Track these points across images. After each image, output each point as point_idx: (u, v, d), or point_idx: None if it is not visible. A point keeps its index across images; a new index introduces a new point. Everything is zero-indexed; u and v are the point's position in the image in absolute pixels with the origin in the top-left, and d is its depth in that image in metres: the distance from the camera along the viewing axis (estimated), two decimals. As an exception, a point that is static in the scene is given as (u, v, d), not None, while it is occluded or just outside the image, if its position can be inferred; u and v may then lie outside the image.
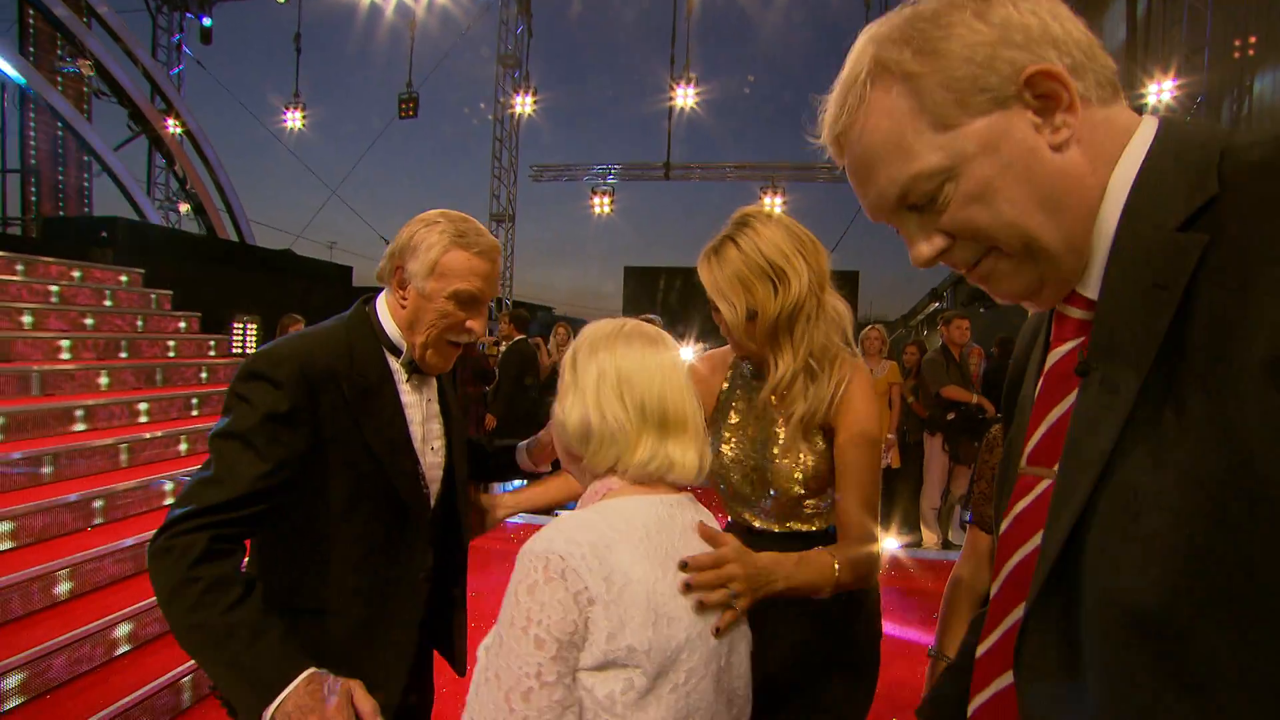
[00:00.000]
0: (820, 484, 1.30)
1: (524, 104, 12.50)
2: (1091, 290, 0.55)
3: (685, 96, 11.87)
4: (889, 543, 4.95)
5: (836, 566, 1.11)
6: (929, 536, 5.23)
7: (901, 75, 0.54)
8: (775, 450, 1.30)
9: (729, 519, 1.44)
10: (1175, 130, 0.53)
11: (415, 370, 1.27)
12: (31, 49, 10.37)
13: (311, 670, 0.99)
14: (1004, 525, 0.61)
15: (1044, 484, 0.57)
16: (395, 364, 1.25)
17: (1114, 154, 0.53)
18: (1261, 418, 0.41)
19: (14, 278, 4.68)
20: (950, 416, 4.95)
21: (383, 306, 1.27)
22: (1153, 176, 0.51)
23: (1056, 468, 0.54)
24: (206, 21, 13.44)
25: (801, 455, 1.28)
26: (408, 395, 1.26)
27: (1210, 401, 0.44)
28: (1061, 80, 0.52)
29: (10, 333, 4.12)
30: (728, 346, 1.42)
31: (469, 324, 1.24)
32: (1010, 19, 0.53)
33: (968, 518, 1.40)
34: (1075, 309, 0.58)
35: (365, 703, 0.98)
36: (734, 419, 1.38)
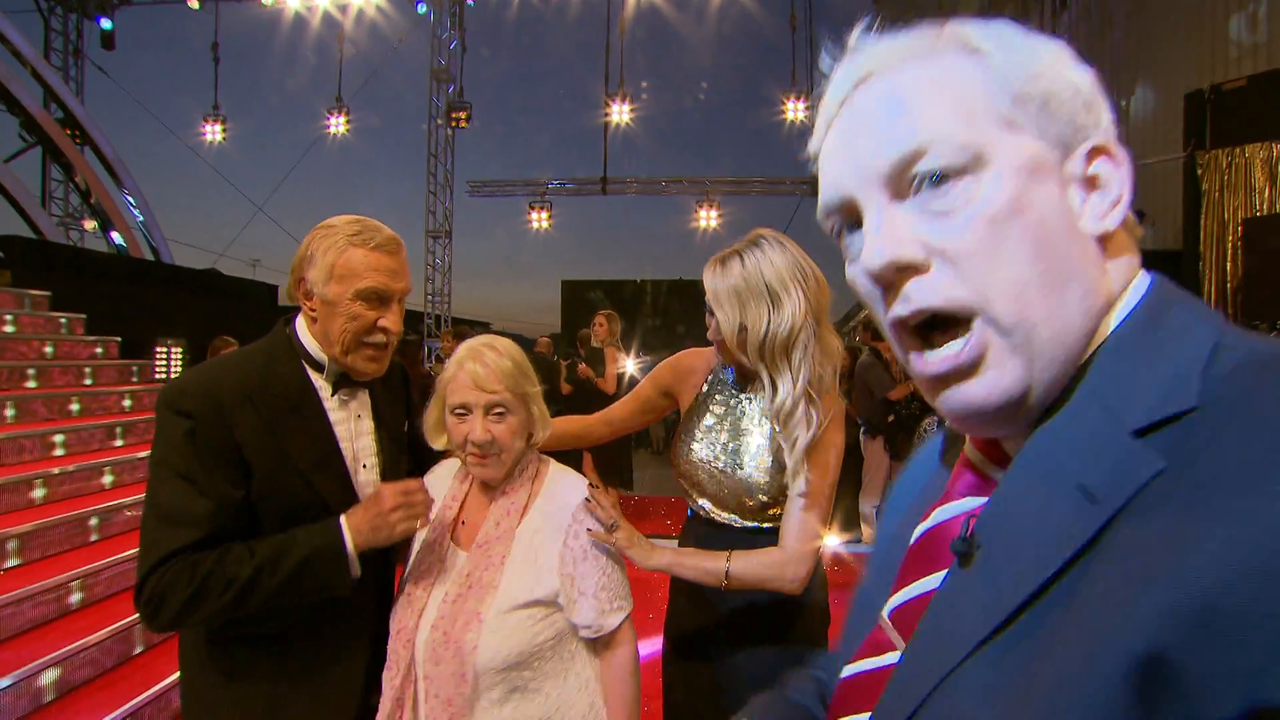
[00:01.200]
0: (781, 490, 1.37)
1: (459, 119, 12.39)
2: (1014, 445, 0.46)
3: (621, 112, 12.07)
4: (830, 539, 5.14)
5: (729, 556, 1.27)
6: (870, 534, 5.50)
7: (984, 54, 0.45)
8: (746, 459, 1.38)
9: (690, 511, 1.51)
10: (1167, 299, 0.44)
11: (344, 384, 1.25)
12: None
13: (343, 515, 1.15)
14: (847, 672, 0.53)
15: (890, 657, 0.49)
16: (319, 380, 1.23)
17: (1114, 297, 0.45)
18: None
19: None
20: (890, 419, 5.23)
21: (301, 325, 1.25)
22: (1131, 352, 0.42)
23: (904, 647, 0.48)
24: (106, 24, 12.67)
25: (775, 475, 1.35)
26: (334, 412, 1.24)
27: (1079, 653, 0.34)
28: (1121, 169, 0.44)
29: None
30: (712, 349, 1.50)
31: (381, 323, 1.20)
32: (1096, 88, 0.46)
33: None
34: (983, 458, 0.49)
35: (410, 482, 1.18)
36: (709, 420, 1.46)
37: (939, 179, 0.43)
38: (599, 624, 1.19)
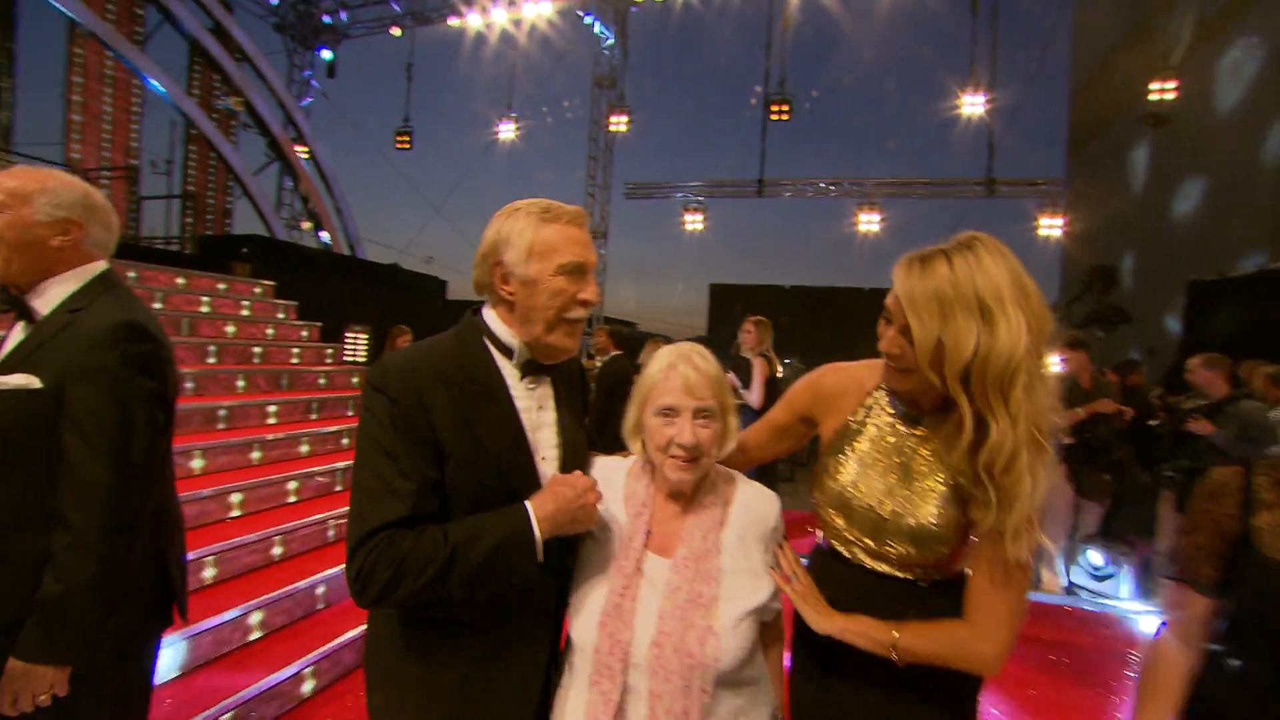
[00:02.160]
0: (940, 564, 1.19)
1: (619, 123, 12.80)
2: None
3: (780, 113, 11.74)
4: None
5: (896, 633, 1.13)
6: (1050, 579, 4.80)
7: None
8: (924, 510, 1.17)
9: (820, 536, 1.35)
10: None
11: (530, 371, 1.25)
12: (195, 90, 11.83)
13: (528, 501, 1.15)
14: None
15: None
16: (507, 367, 1.24)
17: None
18: None
19: (176, 289, 5.28)
20: (1069, 443, 4.55)
21: (490, 312, 1.26)
22: None
23: None
24: (327, 55, 14.76)
25: (955, 508, 1.15)
26: (520, 400, 1.23)
27: None
28: None
29: (173, 339, 4.62)
30: (867, 368, 1.32)
31: (580, 295, 1.21)
32: None
33: (1173, 573, 1.22)
34: None
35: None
36: (861, 446, 1.26)
37: None
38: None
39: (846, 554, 1.28)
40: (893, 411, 1.25)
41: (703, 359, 1.22)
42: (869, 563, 1.24)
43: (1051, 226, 11.07)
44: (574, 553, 1.29)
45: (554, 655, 1.27)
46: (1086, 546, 4.74)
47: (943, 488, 1.17)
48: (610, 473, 1.33)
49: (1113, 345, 8.70)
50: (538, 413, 1.26)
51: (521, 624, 1.22)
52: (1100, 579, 4.76)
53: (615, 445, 1.40)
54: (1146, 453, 4.66)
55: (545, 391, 1.29)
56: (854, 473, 1.25)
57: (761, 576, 1.23)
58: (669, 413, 1.20)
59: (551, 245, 1.18)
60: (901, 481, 1.21)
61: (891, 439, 1.24)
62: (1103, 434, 4.46)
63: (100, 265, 1.49)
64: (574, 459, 1.30)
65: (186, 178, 12.12)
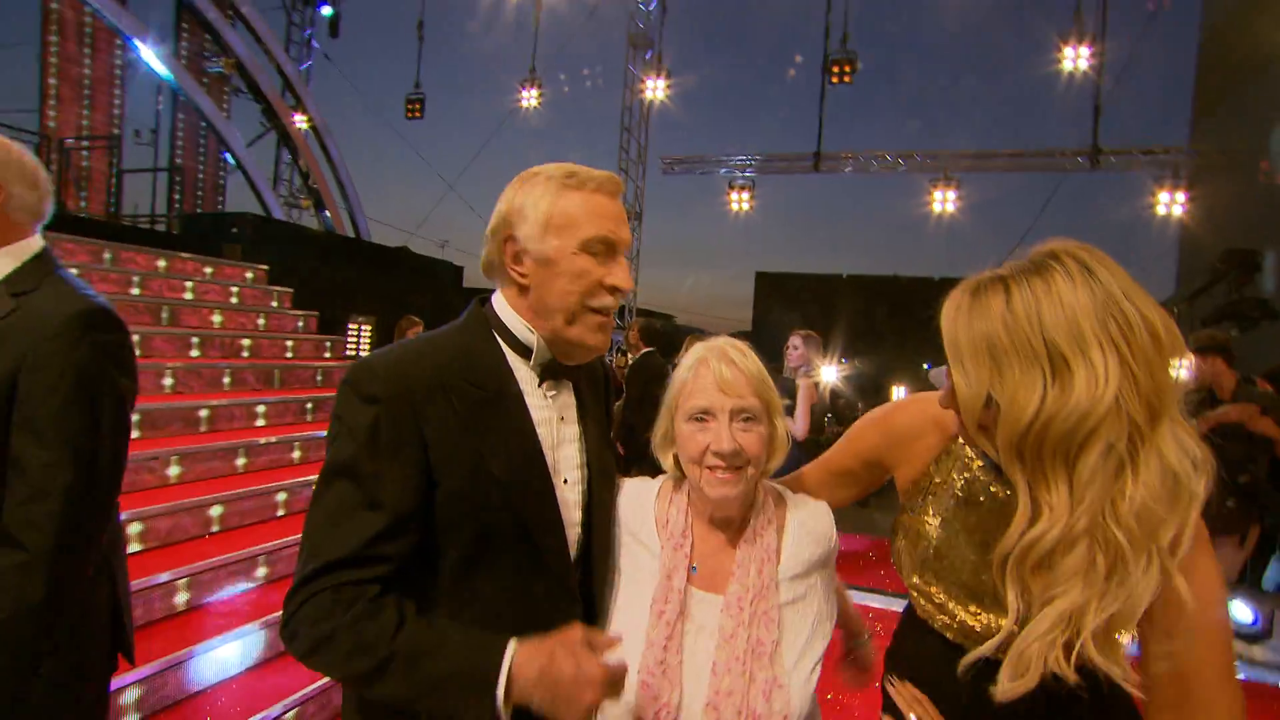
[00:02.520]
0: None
1: (656, 88, 12.66)
2: None
3: (841, 74, 11.45)
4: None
5: None
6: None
7: None
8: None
9: (913, 610, 1.19)
10: None
11: (551, 374, 1.17)
12: (184, 52, 12.09)
13: (515, 641, 0.99)
14: None
15: None
16: (522, 369, 1.15)
17: None
18: None
19: (156, 273, 5.34)
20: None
21: (501, 301, 1.18)
22: None
23: None
24: (327, 11, 14.97)
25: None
26: (537, 410, 1.15)
27: None
28: None
29: (151, 328, 4.66)
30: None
31: (608, 280, 1.12)
32: None
33: None
34: None
35: (595, 638, 1.00)
36: (945, 504, 1.15)
37: None
38: None
39: (946, 635, 1.13)
40: (982, 462, 1.12)
41: (740, 353, 1.19)
42: (966, 643, 1.10)
43: (1172, 204, 10.54)
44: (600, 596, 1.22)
45: None
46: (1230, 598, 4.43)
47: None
48: (639, 496, 1.28)
49: (1250, 347, 8.18)
50: (559, 426, 1.18)
51: None
52: (1248, 640, 4.42)
53: (646, 461, 1.33)
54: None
55: (567, 399, 1.21)
56: (939, 538, 1.14)
57: (824, 609, 1.21)
58: (703, 416, 1.16)
59: (573, 217, 1.10)
60: (982, 531, 1.09)
61: (982, 497, 1.10)
62: (1232, 453, 4.12)
63: (36, 242, 1.44)
64: (602, 483, 1.23)
65: (174, 150, 12.35)
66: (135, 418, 3.69)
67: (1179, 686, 0.94)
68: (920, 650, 1.17)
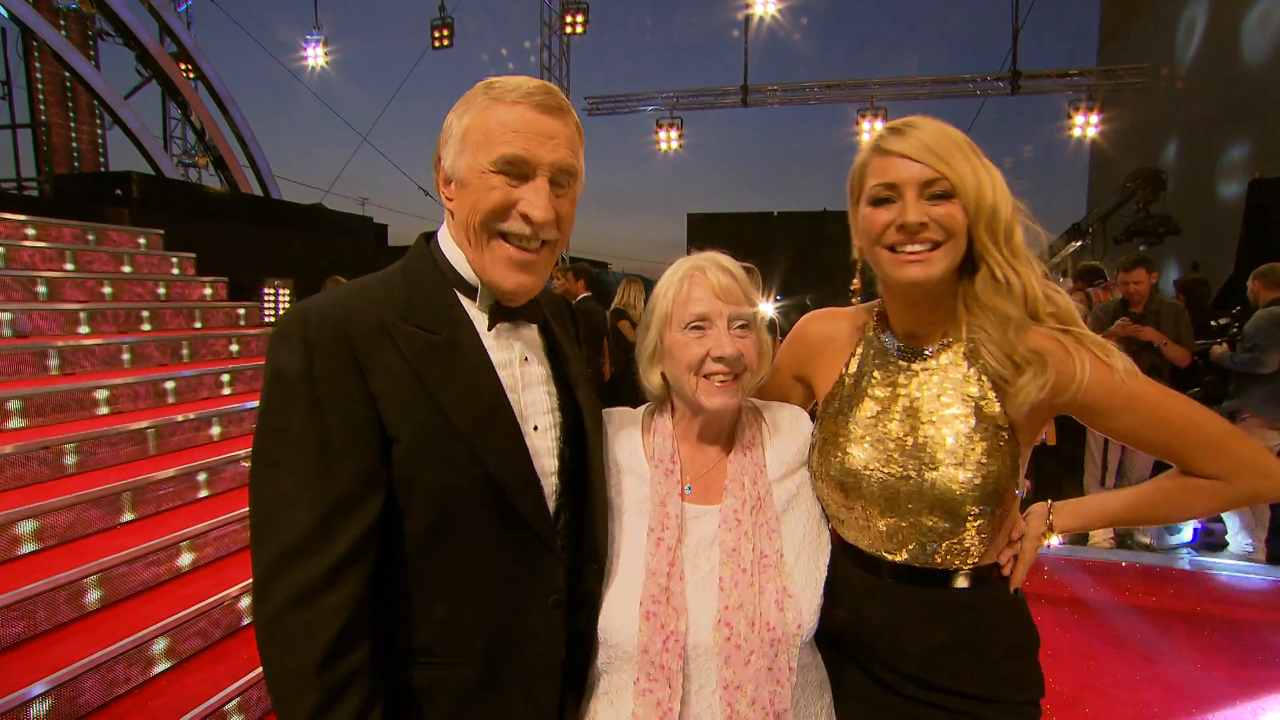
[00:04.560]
0: (998, 496, 1.11)
1: (575, 24, 12.11)
2: None
3: (765, 4, 11.22)
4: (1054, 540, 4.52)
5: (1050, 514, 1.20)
6: (1096, 531, 4.76)
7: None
8: (941, 453, 1.11)
9: (843, 540, 1.24)
10: None
11: (502, 315, 1.07)
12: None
13: None
14: None
15: None
16: (473, 310, 1.06)
17: None
18: None
19: (25, 243, 4.75)
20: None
21: (445, 235, 1.09)
22: None
23: None
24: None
25: (981, 456, 1.10)
26: (496, 351, 1.06)
27: None
28: None
29: (25, 304, 4.16)
30: (855, 311, 1.30)
31: (521, 206, 1.00)
32: None
33: None
34: None
35: None
36: (869, 408, 1.20)
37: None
38: None
39: (881, 557, 1.18)
40: (889, 349, 1.22)
41: (732, 264, 1.20)
42: (891, 555, 1.17)
43: (1086, 126, 10.86)
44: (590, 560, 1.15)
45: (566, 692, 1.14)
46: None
47: (966, 412, 1.12)
48: (623, 426, 1.27)
49: (1158, 259, 8.63)
50: (521, 368, 1.09)
51: (519, 670, 1.07)
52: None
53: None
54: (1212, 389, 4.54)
55: (531, 338, 1.13)
56: (860, 435, 1.19)
57: (818, 513, 1.24)
58: (701, 323, 1.15)
59: (489, 132, 0.99)
60: (912, 429, 1.15)
61: (898, 380, 1.19)
62: (1142, 365, 4.32)
63: None
64: (581, 428, 1.15)
65: (36, 104, 11.05)
66: (16, 405, 3.33)
67: (1174, 427, 1.11)
68: (841, 573, 1.22)
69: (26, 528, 2.75)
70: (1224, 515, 4.53)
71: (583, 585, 1.13)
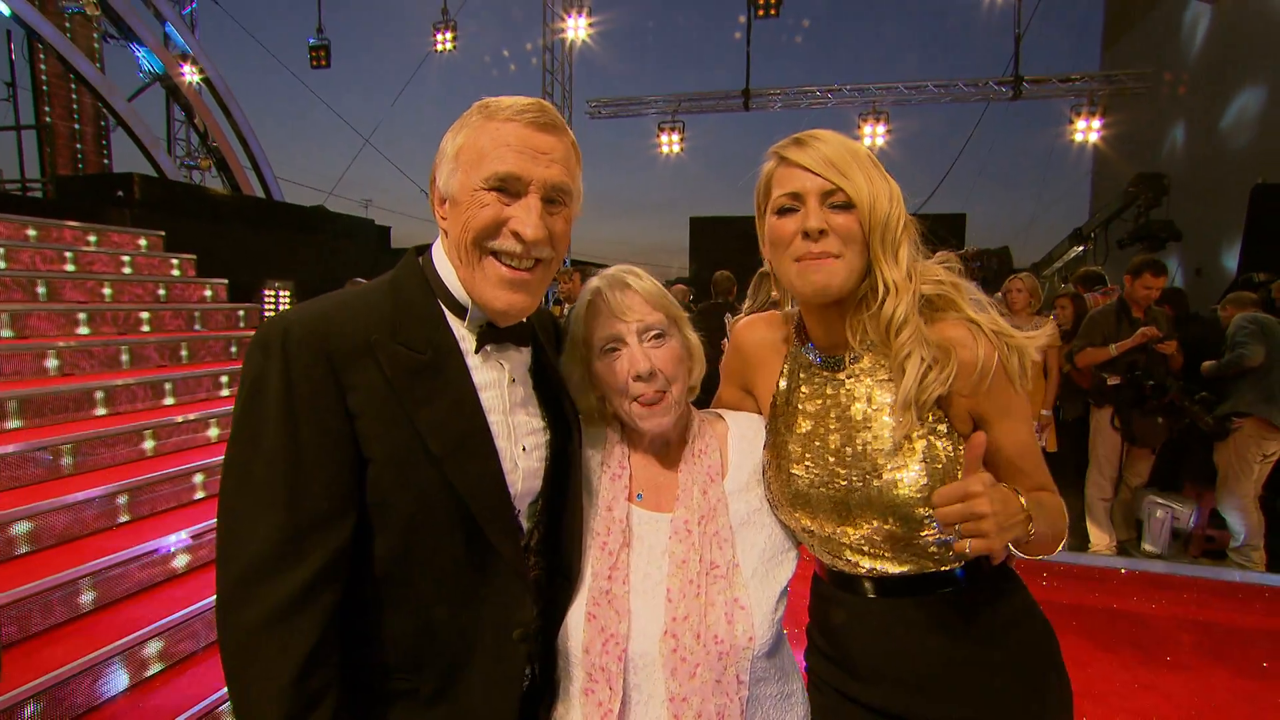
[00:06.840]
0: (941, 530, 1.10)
1: (578, 27, 12.12)
2: None
3: (767, 7, 11.21)
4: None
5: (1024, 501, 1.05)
6: (1098, 537, 4.73)
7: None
8: (878, 457, 1.11)
9: (823, 565, 1.24)
10: None
11: (491, 338, 1.05)
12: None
13: None
14: None
15: None
16: (461, 330, 1.04)
17: None
18: None
19: (26, 244, 4.76)
20: (1114, 382, 4.42)
21: (438, 252, 1.07)
22: None
23: None
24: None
25: (921, 448, 1.09)
26: (477, 371, 1.03)
27: None
28: None
29: (24, 305, 4.17)
30: (776, 319, 1.30)
31: (512, 224, 0.97)
32: None
33: None
34: None
35: None
36: (803, 426, 1.19)
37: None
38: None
39: (858, 570, 1.17)
40: (811, 362, 1.22)
41: (635, 276, 1.18)
42: (871, 565, 1.16)
43: (1088, 130, 10.82)
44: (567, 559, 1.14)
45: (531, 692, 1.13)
46: (1150, 497, 4.67)
47: (892, 418, 1.11)
48: (595, 438, 1.26)
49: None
50: (508, 389, 1.07)
51: (486, 671, 1.05)
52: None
53: None
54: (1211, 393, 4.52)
55: (519, 358, 1.10)
56: (796, 455, 1.18)
57: (783, 529, 1.21)
58: (614, 346, 1.14)
59: (481, 150, 0.98)
60: (848, 438, 1.14)
61: (826, 391, 1.19)
62: (1158, 373, 4.31)
63: None
64: (566, 446, 1.14)
65: (41, 106, 11.11)
66: (12, 404, 3.33)
67: (1012, 459, 1.13)
68: (827, 597, 1.23)
69: (22, 529, 2.75)
70: (1228, 522, 4.50)
71: (554, 602, 1.13)
